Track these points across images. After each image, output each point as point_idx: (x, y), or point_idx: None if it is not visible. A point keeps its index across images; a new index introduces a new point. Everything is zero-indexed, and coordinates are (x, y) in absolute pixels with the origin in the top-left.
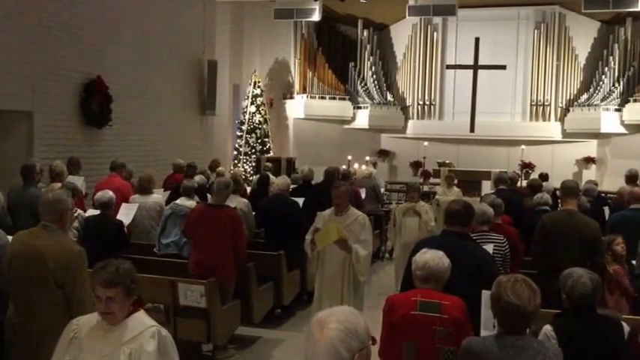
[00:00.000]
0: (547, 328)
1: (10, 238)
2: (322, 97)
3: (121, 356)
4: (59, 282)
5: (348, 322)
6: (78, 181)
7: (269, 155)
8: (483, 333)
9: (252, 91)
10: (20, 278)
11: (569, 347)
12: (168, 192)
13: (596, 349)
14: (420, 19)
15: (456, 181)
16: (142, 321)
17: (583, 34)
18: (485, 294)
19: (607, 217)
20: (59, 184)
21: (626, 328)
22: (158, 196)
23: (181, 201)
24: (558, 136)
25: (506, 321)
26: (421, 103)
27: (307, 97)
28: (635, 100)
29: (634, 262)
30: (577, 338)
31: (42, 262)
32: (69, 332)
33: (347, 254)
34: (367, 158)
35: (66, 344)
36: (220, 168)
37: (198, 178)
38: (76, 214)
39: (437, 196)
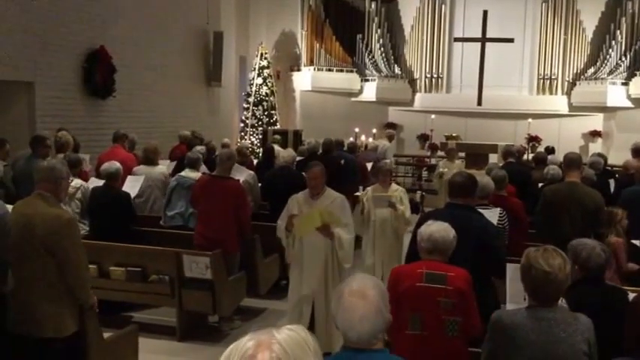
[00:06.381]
0: None
1: (11, 207)
2: (329, 70)
3: None
4: (49, 249)
5: (381, 287)
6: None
7: (275, 128)
8: (509, 307)
9: (259, 63)
10: (15, 246)
11: None
12: (174, 163)
13: (604, 318)
14: None
15: (462, 154)
16: None
17: (590, 8)
18: (511, 267)
19: (612, 190)
20: (62, 155)
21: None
22: (163, 167)
23: (186, 172)
24: (565, 110)
25: (538, 291)
26: (429, 76)
27: (314, 69)
28: None
29: None
30: (587, 307)
31: (31, 229)
32: None
33: (329, 240)
34: (374, 131)
35: None
36: (225, 139)
37: (199, 148)
38: (78, 186)
39: (440, 169)
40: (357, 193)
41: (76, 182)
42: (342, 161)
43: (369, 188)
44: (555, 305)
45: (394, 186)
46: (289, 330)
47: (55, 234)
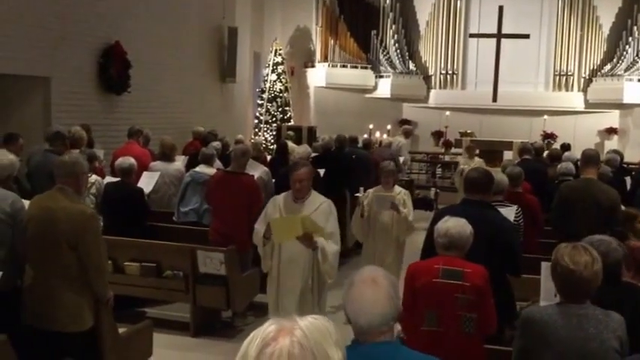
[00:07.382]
0: None
1: (26, 202)
2: (344, 66)
3: None
4: (72, 244)
5: (391, 277)
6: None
7: (290, 124)
8: (542, 304)
9: (273, 59)
10: (34, 240)
11: None
12: (187, 158)
13: (622, 315)
14: None
15: (477, 152)
16: None
17: (607, 4)
18: (545, 265)
19: (629, 188)
20: (77, 151)
21: None
22: (179, 163)
23: (200, 168)
24: (581, 107)
25: (564, 288)
26: (443, 72)
27: (329, 65)
28: None
29: None
30: (605, 304)
31: (54, 223)
32: None
33: (310, 250)
34: (388, 127)
35: None
36: (239, 136)
37: (214, 144)
38: (93, 181)
39: (460, 166)
40: (358, 194)
41: (92, 177)
42: (354, 156)
43: (370, 190)
44: (586, 302)
45: (397, 188)
46: (313, 318)
47: (79, 229)
